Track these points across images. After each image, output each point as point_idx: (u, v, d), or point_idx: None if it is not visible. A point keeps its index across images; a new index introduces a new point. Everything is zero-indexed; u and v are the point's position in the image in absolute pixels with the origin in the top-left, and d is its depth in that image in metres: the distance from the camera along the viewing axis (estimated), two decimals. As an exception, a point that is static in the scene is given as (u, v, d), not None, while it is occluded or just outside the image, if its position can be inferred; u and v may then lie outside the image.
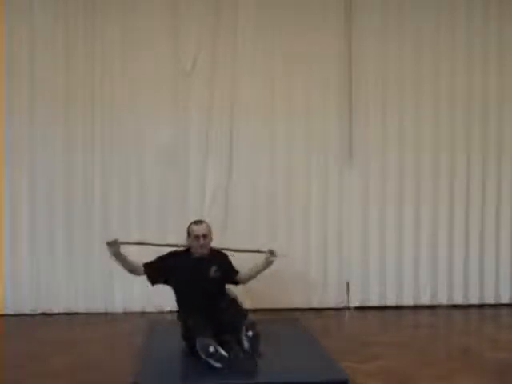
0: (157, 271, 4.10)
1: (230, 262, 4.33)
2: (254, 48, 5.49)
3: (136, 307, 5.47)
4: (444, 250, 5.71)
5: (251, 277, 4.37)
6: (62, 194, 5.39)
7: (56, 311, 5.40)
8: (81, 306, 5.44)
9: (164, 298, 5.38)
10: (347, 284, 5.67)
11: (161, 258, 4.15)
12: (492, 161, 5.72)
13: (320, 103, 5.57)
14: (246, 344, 3.64)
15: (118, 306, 5.48)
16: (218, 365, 3.50)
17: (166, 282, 4.16)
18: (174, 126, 5.46)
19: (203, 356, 3.54)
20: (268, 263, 4.30)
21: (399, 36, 5.61)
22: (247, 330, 3.66)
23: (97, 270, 5.42)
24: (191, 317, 3.85)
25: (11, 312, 5.34)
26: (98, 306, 5.45)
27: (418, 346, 4.41)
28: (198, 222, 4.18)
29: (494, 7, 5.66)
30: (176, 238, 5.03)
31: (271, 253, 4.29)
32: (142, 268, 4.11)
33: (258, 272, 4.36)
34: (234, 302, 4.10)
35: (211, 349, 3.52)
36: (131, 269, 4.13)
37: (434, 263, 5.70)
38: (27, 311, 5.38)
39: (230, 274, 4.30)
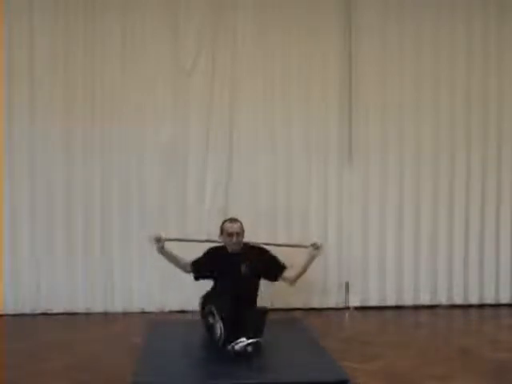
0: (203, 267, 4.28)
1: (272, 258, 4.37)
2: (253, 48, 5.49)
3: (136, 307, 5.47)
4: (444, 250, 5.70)
5: (299, 275, 4.38)
6: (62, 194, 5.39)
7: (56, 311, 5.39)
8: (81, 306, 5.43)
9: (164, 298, 5.43)
10: (347, 284, 5.67)
11: (205, 255, 4.31)
12: (492, 161, 5.71)
13: (320, 103, 5.56)
14: (240, 348, 3.68)
15: (117, 305, 5.47)
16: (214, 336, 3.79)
17: (208, 276, 4.31)
18: (174, 125, 5.46)
19: (210, 320, 3.90)
20: (313, 258, 4.33)
21: (399, 36, 5.60)
22: (249, 344, 3.69)
23: (97, 270, 5.42)
24: (217, 303, 3.98)
25: (11, 312, 5.34)
26: (97, 306, 5.44)
27: (417, 346, 4.41)
28: (232, 220, 4.32)
29: (493, 7, 5.66)
30: (176, 237, 5.05)
31: (315, 246, 4.31)
32: (190, 265, 4.30)
33: (306, 269, 4.38)
34: (260, 314, 4.01)
35: (218, 330, 3.77)
36: (178, 265, 4.32)
37: (434, 263, 5.70)
38: (27, 311, 5.37)
39: (273, 270, 4.33)
